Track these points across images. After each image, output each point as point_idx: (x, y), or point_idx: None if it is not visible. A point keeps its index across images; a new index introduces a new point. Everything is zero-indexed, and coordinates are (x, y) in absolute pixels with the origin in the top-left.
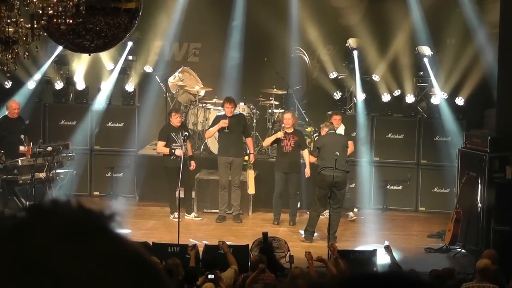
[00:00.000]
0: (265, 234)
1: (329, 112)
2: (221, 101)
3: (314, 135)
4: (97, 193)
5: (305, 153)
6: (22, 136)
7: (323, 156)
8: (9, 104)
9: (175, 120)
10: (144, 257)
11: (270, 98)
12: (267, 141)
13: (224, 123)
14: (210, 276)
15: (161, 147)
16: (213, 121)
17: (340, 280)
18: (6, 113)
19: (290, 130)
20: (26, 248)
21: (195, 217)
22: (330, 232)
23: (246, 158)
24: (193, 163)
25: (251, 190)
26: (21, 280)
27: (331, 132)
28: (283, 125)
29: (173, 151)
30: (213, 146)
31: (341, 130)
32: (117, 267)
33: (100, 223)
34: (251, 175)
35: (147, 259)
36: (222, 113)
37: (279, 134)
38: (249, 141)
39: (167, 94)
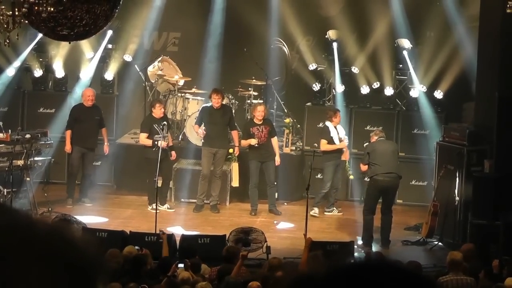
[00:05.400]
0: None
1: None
2: (200, 91)
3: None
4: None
5: (275, 140)
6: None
7: (374, 161)
8: (83, 92)
9: (159, 111)
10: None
11: (249, 89)
12: (244, 143)
13: (200, 134)
14: (180, 265)
15: (143, 139)
16: (199, 112)
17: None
18: (82, 100)
19: (260, 122)
20: None
21: (168, 208)
22: (383, 236)
23: (231, 150)
24: (173, 153)
25: (235, 183)
26: None
27: (381, 139)
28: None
29: (156, 143)
30: (192, 135)
31: (341, 128)
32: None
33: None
34: (235, 168)
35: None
36: (209, 104)
37: (253, 142)
38: (234, 134)
39: (146, 83)
